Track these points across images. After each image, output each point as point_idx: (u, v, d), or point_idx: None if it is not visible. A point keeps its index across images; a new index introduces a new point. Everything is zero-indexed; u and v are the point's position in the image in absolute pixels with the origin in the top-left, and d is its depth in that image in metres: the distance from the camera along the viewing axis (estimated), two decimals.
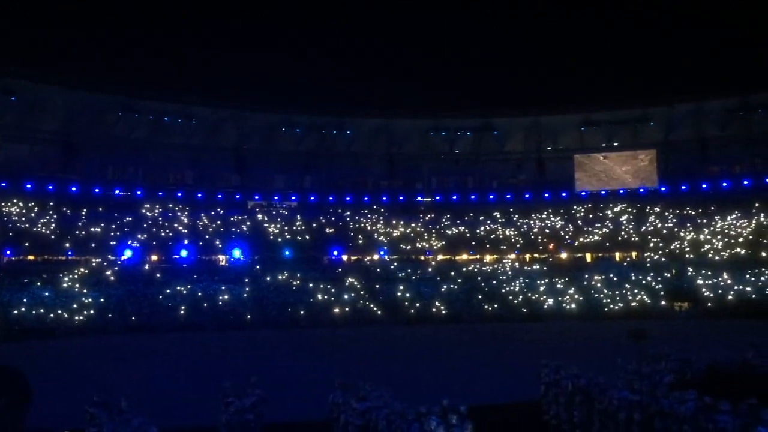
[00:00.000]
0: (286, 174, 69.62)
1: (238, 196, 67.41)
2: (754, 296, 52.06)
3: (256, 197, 68.44)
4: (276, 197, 69.09)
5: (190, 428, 14.60)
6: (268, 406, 13.72)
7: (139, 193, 63.75)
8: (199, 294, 51.41)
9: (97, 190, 62.33)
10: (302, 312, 50.69)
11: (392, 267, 59.91)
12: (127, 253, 55.17)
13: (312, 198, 69.11)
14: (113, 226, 58.66)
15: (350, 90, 70.27)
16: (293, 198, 69.28)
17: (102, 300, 48.31)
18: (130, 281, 51.72)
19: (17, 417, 2.59)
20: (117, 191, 63.91)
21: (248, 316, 49.17)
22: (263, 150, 68.13)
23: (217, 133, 66.01)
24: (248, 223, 64.09)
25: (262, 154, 68.10)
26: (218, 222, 63.35)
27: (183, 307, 49.03)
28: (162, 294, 50.69)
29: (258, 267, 56.74)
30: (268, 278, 55.30)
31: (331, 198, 69.39)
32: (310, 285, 54.70)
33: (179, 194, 65.15)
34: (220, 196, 66.73)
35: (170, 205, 64.06)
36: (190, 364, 27.24)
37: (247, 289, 53.12)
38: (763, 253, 56.01)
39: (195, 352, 32.07)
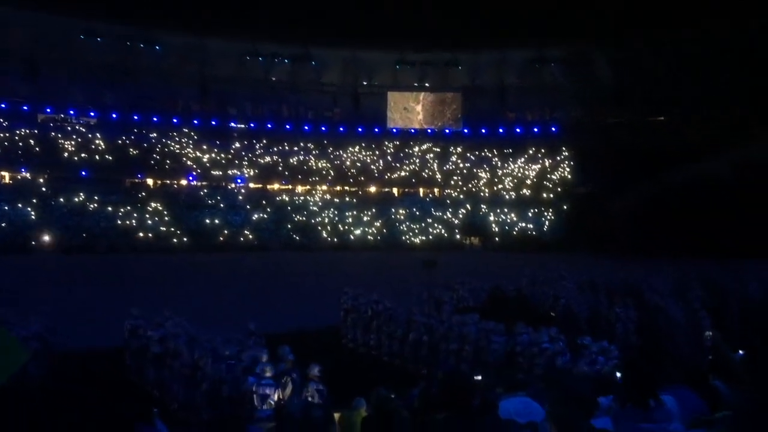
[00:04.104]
0: (84, 87, 63.40)
1: (26, 108, 60.32)
2: (534, 233, 58.47)
3: (49, 110, 61.79)
4: (72, 112, 62.94)
5: None
6: (58, 335, 13.04)
7: None
8: None
9: None
10: (100, 237, 47.63)
11: (201, 194, 58.12)
12: None
13: (114, 115, 63.90)
14: None
15: (160, 1, 64.49)
16: (92, 114, 63.59)
17: None
18: None
19: None
20: None
21: (36, 240, 45.16)
22: (58, 59, 60.99)
23: (0, 34, 57.62)
24: (39, 138, 57.88)
25: (56, 63, 60.97)
26: (1, 135, 56.49)
27: None
28: None
29: (46, 188, 51.93)
30: (61, 199, 50.94)
31: (136, 117, 64.67)
32: (110, 209, 51.38)
33: None
34: (4, 105, 59.27)
35: None
36: None
37: (33, 211, 48.52)
38: (544, 195, 62.71)
39: None
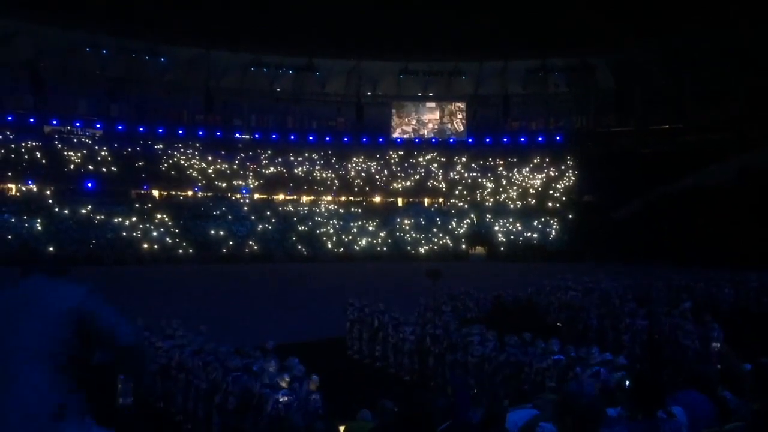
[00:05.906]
0: (89, 99, 63.76)
1: (32, 120, 60.66)
2: (539, 242, 58.34)
3: (54, 122, 62.14)
4: (78, 124, 63.25)
5: None
6: None
7: None
8: None
9: None
10: (106, 248, 47.75)
11: (207, 204, 58.25)
12: None
13: (120, 127, 64.17)
14: None
15: (165, 14, 65.10)
16: (98, 126, 63.90)
17: None
18: None
19: None
20: None
21: (42, 251, 45.27)
22: (63, 71, 61.44)
23: (7, 47, 58.01)
24: (45, 150, 58.14)
25: (62, 75, 61.39)
26: (9, 146, 56.80)
27: None
28: None
29: (52, 200, 52.12)
30: (66, 211, 51.13)
31: (141, 129, 64.97)
32: (116, 220, 51.54)
33: None
34: (10, 118, 59.57)
35: None
36: None
37: (39, 221, 48.71)
38: (549, 204, 62.59)
39: None
